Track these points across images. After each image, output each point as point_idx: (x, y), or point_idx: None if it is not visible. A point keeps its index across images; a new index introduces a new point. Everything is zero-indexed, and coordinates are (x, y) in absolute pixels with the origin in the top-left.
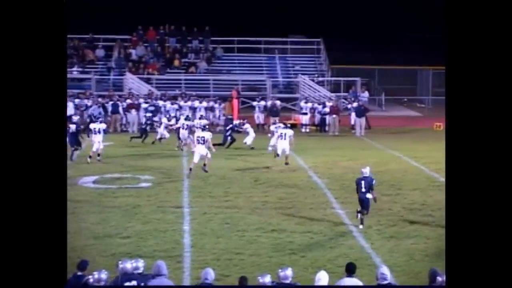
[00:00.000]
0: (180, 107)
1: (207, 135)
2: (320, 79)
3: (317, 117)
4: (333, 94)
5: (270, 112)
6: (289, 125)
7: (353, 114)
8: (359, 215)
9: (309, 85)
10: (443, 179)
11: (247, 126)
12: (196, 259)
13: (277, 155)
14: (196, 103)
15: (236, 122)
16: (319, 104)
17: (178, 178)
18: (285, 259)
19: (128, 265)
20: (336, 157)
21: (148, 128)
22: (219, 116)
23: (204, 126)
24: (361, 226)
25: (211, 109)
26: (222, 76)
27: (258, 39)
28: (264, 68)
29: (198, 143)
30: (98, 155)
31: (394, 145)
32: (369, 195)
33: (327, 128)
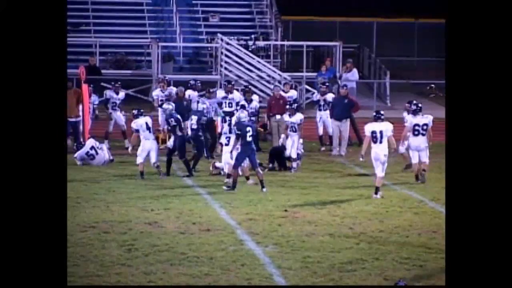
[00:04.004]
0: None
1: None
2: (261, 44)
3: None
4: (286, 75)
5: None
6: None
7: (324, 114)
8: None
9: (238, 57)
10: None
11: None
12: None
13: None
14: None
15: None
16: (242, 94)
17: None
18: None
19: None
20: (290, 202)
21: None
22: None
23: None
24: None
25: None
26: None
27: None
28: (148, 24)
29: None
30: None
31: (409, 178)
32: None
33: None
